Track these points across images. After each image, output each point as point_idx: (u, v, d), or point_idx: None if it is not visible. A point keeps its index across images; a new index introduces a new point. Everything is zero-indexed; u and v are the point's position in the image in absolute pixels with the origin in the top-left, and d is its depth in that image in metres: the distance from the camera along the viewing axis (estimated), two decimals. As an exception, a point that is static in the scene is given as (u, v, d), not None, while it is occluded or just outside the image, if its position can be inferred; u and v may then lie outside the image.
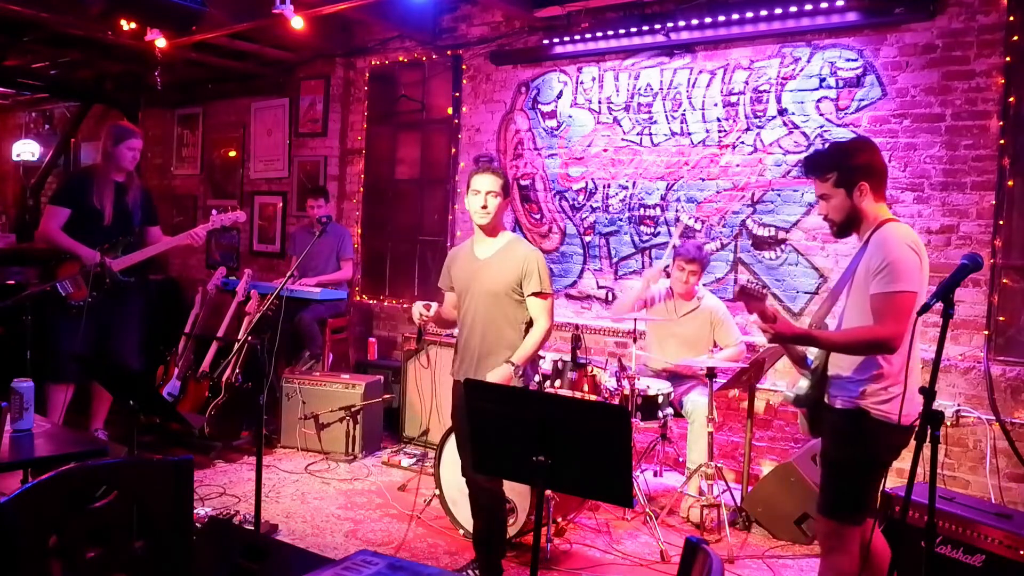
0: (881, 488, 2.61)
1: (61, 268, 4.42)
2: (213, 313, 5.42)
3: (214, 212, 4.76)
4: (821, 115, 4.65)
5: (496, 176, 3.22)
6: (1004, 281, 4.15)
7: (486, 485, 3.27)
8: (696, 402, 4.31)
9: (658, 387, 4.24)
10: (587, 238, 5.59)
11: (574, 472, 2.24)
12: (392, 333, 6.55)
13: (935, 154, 4.32)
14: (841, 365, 2.61)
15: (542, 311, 3.24)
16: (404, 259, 6.47)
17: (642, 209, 5.33)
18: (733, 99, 4.96)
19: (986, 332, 4.16)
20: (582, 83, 5.56)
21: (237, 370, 5.00)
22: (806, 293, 4.74)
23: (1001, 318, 4.16)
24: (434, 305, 3.31)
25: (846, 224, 2.67)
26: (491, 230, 3.27)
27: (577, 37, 5.46)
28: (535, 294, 3.21)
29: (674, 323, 4.57)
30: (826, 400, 2.67)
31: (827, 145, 2.89)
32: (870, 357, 2.51)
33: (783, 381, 4.82)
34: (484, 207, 3.20)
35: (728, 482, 4.18)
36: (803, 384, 2.73)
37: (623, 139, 5.39)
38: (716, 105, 5.01)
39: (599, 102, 5.49)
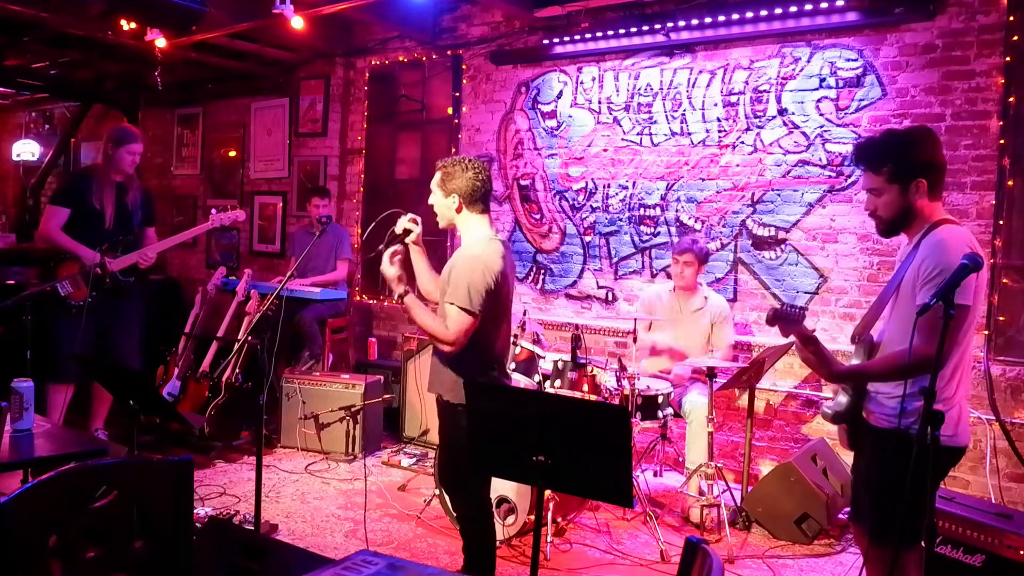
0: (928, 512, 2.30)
1: (61, 268, 4.42)
2: (213, 313, 5.41)
3: (213, 211, 4.76)
4: (821, 115, 4.65)
5: (437, 171, 2.90)
6: (1004, 281, 4.15)
7: (455, 511, 3.08)
8: (694, 402, 4.31)
9: (658, 387, 4.24)
10: (587, 238, 5.59)
11: (574, 472, 2.24)
12: (392, 333, 6.55)
13: (935, 154, 4.32)
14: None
15: (449, 318, 2.75)
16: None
17: (642, 209, 5.33)
18: (733, 99, 4.96)
19: (986, 332, 4.16)
20: (582, 83, 5.56)
21: (237, 370, 5.00)
22: (806, 293, 4.74)
23: (1001, 318, 4.16)
24: (418, 229, 2.95)
25: (895, 223, 2.44)
26: (453, 231, 3.00)
27: (577, 37, 5.46)
28: (450, 303, 2.75)
29: (682, 322, 4.57)
30: (864, 416, 2.49)
31: (883, 133, 2.55)
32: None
33: (783, 381, 4.82)
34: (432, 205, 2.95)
35: (728, 482, 4.18)
36: (842, 400, 2.55)
37: (623, 139, 5.39)
38: (716, 105, 5.01)
39: (599, 102, 5.49)
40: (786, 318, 2.45)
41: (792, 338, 2.52)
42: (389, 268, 2.88)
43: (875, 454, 2.46)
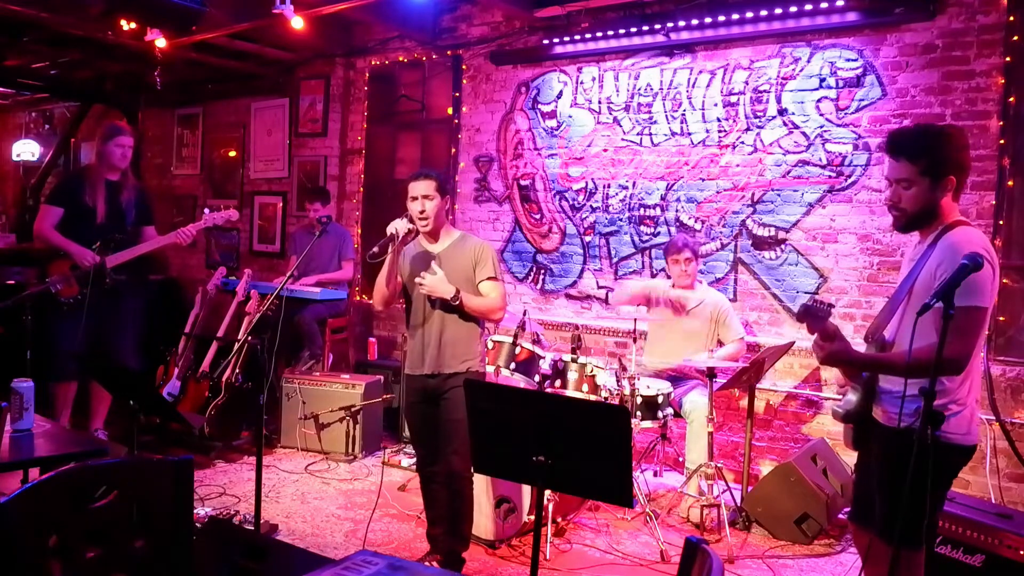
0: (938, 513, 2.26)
1: (52, 266, 4.43)
2: (213, 313, 5.41)
3: (206, 211, 4.77)
4: (821, 115, 4.65)
5: (429, 180, 3.27)
6: (1004, 281, 4.15)
7: (456, 469, 3.27)
8: (695, 402, 4.31)
9: (658, 387, 4.24)
10: (587, 238, 5.59)
11: (574, 472, 2.24)
12: (392, 333, 6.55)
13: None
14: (893, 379, 2.43)
15: (494, 289, 3.30)
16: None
17: (642, 209, 5.33)
18: (733, 99, 4.96)
19: (986, 332, 4.15)
20: (582, 83, 5.56)
21: (237, 370, 5.00)
22: (806, 293, 4.74)
23: (1001, 318, 4.16)
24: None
25: (917, 218, 2.40)
26: (435, 232, 3.34)
27: (577, 37, 5.46)
28: (488, 278, 3.30)
29: (680, 319, 4.57)
30: (875, 416, 2.48)
31: (921, 125, 2.48)
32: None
33: (783, 381, 4.82)
34: (422, 211, 3.26)
35: (728, 482, 4.18)
36: (852, 398, 2.53)
37: (623, 139, 5.39)
38: (716, 105, 5.01)
39: (599, 102, 5.49)
40: (814, 314, 2.44)
41: (815, 336, 2.50)
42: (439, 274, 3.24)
43: (887, 454, 2.43)
